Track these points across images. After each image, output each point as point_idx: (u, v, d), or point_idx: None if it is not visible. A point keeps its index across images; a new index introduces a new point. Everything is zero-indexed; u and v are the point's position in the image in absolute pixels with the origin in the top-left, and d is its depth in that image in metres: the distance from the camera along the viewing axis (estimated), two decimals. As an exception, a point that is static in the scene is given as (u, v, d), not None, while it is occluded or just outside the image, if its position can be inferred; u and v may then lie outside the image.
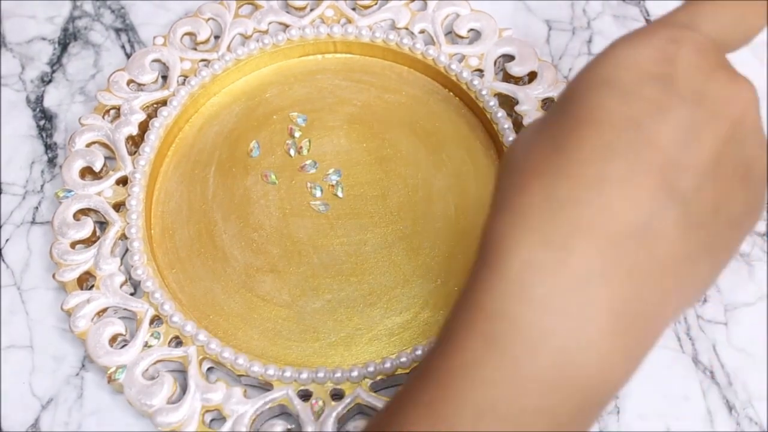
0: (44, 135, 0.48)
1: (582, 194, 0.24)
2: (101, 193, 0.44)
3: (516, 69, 0.46)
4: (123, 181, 0.44)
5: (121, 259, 0.43)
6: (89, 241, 0.43)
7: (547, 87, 0.45)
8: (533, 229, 0.24)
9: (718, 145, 0.25)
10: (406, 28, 0.48)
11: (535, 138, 0.27)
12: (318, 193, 0.44)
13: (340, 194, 0.44)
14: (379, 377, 0.39)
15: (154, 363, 0.39)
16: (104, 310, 0.41)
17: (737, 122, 0.26)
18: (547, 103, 0.46)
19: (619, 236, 0.24)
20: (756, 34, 0.29)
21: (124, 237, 0.43)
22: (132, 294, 0.42)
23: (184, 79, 0.47)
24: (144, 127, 0.46)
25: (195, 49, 0.48)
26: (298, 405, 0.38)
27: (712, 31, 0.27)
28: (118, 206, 0.44)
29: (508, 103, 0.46)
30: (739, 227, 0.27)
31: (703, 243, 0.26)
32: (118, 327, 0.40)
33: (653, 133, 0.25)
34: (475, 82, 0.46)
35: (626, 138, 0.25)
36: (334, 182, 0.45)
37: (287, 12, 0.49)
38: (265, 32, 0.49)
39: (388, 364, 0.38)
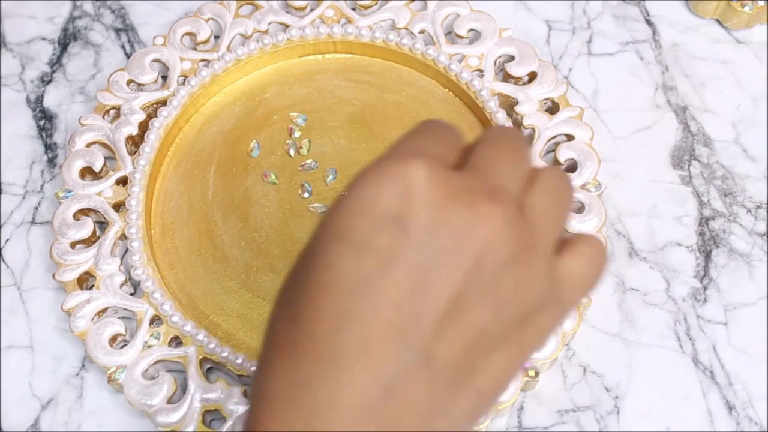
0: (44, 135, 0.48)
1: (323, 372, 0.24)
2: (101, 193, 0.44)
3: (516, 69, 0.46)
4: (123, 181, 0.44)
5: (121, 259, 0.43)
6: (89, 241, 0.43)
7: (547, 87, 0.45)
8: (278, 416, 0.24)
9: (456, 284, 0.24)
10: (406, 28, 0.48)
11: (280, 306, 0.26)
12: (306, 195, 0.44)
13: (329, 181, 0.44)
14: (379, 377, 0.39)
15: (154, 363, 0.39)
16: (104, 310, 0.41)
17: (479, 252, 0.25)
18: (546, 102, 0.46)
19: (361, 410, 0.24)
20: None
21: (124, 237, 0.43)
22: (132, 294, 0.42)
23: (184, 79, 0.47)
24: (144, 127, 0.46)
25: (195, 49, 0.48)
26: (298, 405, 0.38)
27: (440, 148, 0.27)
28: (118, 206, 0.44)
29: (508, 103, 0.46)
30: (512, 343, 0.26)
31: (458, 382, 0.25)
32: (118, 327, 0.40)
33: (384, 290, 0.24)
34: (475, 82, 0.46)
35: (359, 302, 0.24)
36: (329, 181, 0.45)
37: (287, 12, 0.49)
38: (265, 32, 0.49)
39: (388, 364, 0.38)
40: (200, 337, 0.39)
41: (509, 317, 0.26)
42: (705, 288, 0.43)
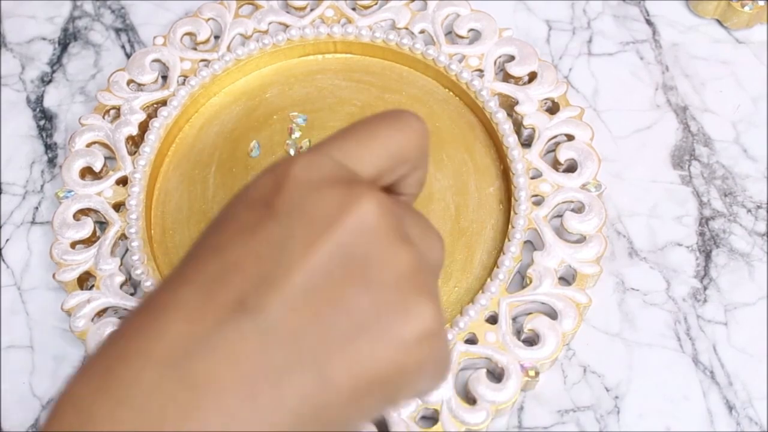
0: (44, 135, 0.48)
1: (142, 322, 0.24)
2: (101, 193, 0.44)
3: (516, 69, 0.46)
4: (123, 181, 0.44)
5: (121, 259, 0.43)
6: (89, 241, 0.43)
7: (547, 87, 0.45)
8: (86, 365, 0.24)
9: (317, 255, 0.23)
10: (406, 28, 0.48)
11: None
12: None
13: None
14: (379, 377, 0.39)
15: (154, 363, 0.39)
16: (104, 310, 0.41)
17: (349, 228, 0.24)
18: (546, 102, 0.46)
19: (168, 360, 0.22)
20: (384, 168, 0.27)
21: (124, 237, 0.43)
22: (132, 294, 0.42)
23: (184, 79, 0.47)
24: (144, 127, 0.46)
25: (195, 49, 0.48)
26: (298, 405, 0.38)
27: (340, 155, 0.26)
28: (118, 206, 0.44)
29: (508, 103, 0.46)
30: (372, 332, 0.24)
31: (301, 357, 0.23)
32: (118, 327, 0.40)
33: (236, 257, 0.24)
34: (475, 82, 0.46)
35: (205, 265, 0.24)
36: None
37: (287, 12, 0.49)
38: (265, 32, 0.49)
39: (388, 364, 0.38)
40: (200, 337, 0.39)
41: (381, 299, 0.24)
42: (705, 288, 0.43)
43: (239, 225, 0.24)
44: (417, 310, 0.24)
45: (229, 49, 0.48)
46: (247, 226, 0.24)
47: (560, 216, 0.42)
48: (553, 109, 0.46)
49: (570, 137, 0.44)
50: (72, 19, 0.52)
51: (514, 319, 0.41)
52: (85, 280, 0.42)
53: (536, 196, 0.43)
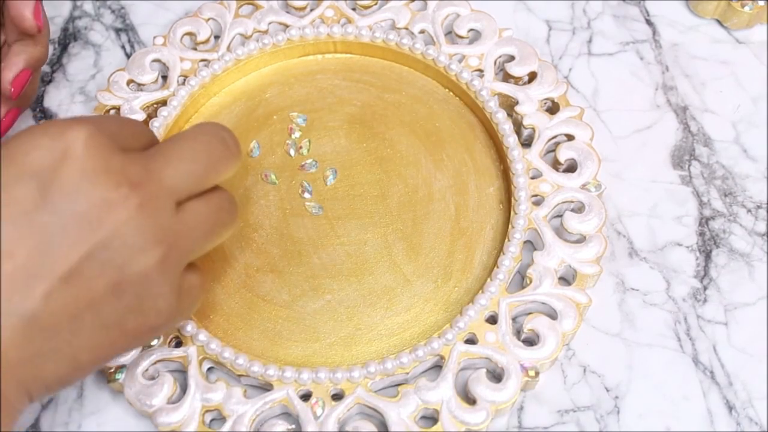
0: (44, 135, 0.48)
1: None
2: (101, 193, 0.44)
3: (516, 69, 0.46)
4: (123, 181, 0.44)
5: (121, 259, 0.43)
6: (89, 241, 0.43)
7: (547, 87, 0.45)
8: None
9: (79, 253, 0.26)
10: (406, 28, 0.48)
11: None
12: (306, 195, 0.44)
13: (329, 182, 0.44)
14: (379, 377, 0.39)
15: (154, 363, 0.39)
16: (104, 310, 0.41)
17: (111, 231, 0.26)
18: (546, 102, 0.46)
19: None
20: None
21: (124, 237, 0.43)
22: (132, 294, 0.42)
23: (184, 79, 0.47)
24: (144, 127, 0.46)
25: (195, 49, 0.48)
26: (298, 405, 0.38)
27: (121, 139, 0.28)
28: (118, 206, 0.43)
29: (508, 103, 0.46)
30: (120, 328, 0.29)
31: (57, 346, 0.27)
32: (118, 327, 0.40)
33: (9, 242, 0.26)
34: (475, 82, 0.46)
35: None
36: (329, 182, 0.45)
37: (287, 12, 0.49)
38: (265, 32, 0.49)
39: (388, 364, 0.38)
40: (201, 337, 0.39)
41: (124, 304, 0.28)
42: (705, 288, 0.43)
43: (13, 202, 0.26)
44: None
45: (229, 49, 0.48)
46: (21, 206, 0.26)
47: (560, 216, 0.42)
48: (553, 109, 0.46)
49: (570, 137, 0.44)
50: (72, 19, 0.52)
51: (514, 319, 0.41)
52: (85, 280, 0.42)
53: (536, 196, 0.43)
